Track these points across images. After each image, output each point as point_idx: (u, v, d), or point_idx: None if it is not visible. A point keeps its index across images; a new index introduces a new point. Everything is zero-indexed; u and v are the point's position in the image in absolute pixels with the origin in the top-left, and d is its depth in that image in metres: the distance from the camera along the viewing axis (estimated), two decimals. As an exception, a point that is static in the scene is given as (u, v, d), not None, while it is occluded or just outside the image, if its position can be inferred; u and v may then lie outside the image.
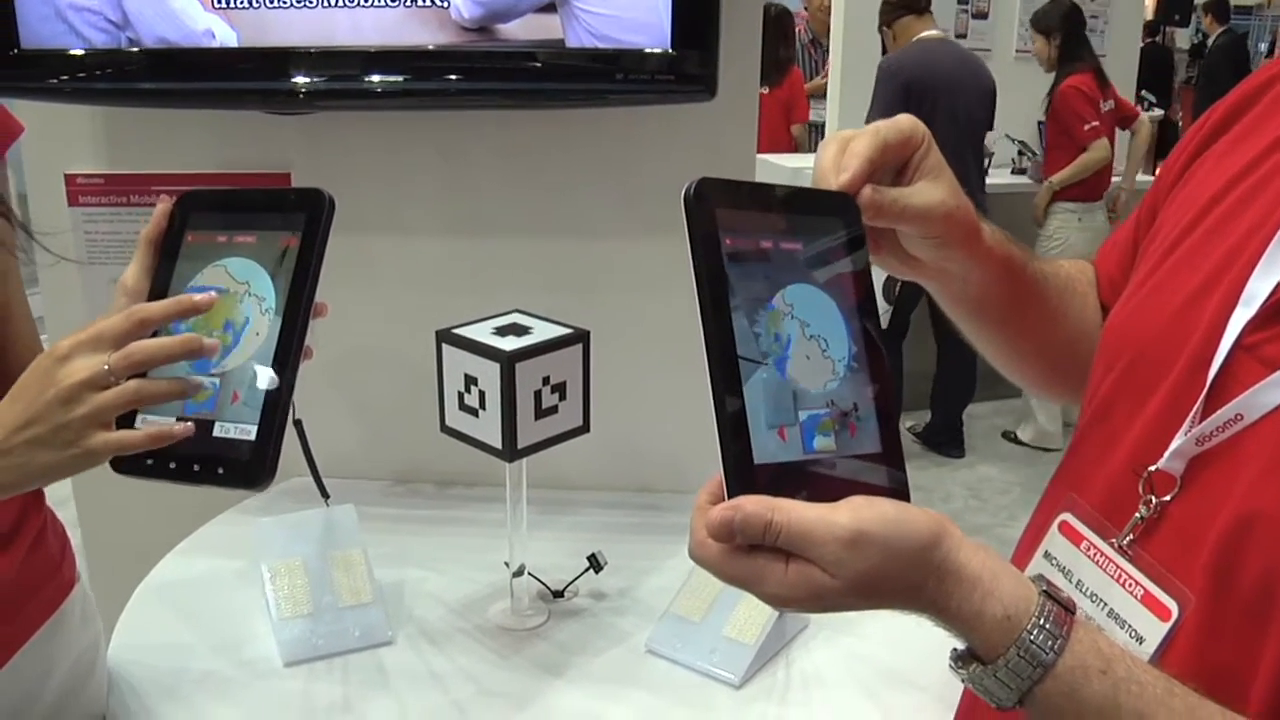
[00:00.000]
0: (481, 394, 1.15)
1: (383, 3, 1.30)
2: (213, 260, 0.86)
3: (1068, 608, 0.60)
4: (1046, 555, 0.75)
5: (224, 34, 1.32)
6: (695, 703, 1.15)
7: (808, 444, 0.65)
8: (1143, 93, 6.17)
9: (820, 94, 5.64)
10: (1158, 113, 6.66)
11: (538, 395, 1.16)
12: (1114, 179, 4.46)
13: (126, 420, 0.82)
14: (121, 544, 1.46)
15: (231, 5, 1.31)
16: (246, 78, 1.36)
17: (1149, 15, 8.06)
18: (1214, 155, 0.77)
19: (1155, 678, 0.59)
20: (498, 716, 1.12)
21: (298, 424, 1.18)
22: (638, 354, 1.55)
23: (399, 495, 1.66)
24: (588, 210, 1.55)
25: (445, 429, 1.22)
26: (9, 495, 0.81)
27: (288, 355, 0.81)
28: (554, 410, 1.18)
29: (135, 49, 1.34)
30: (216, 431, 0.81)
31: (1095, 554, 0.71)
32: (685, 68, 1.31)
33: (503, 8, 1.30)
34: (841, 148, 0.73)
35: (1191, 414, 0.66)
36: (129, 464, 0.82)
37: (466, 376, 1.16)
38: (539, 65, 1.34)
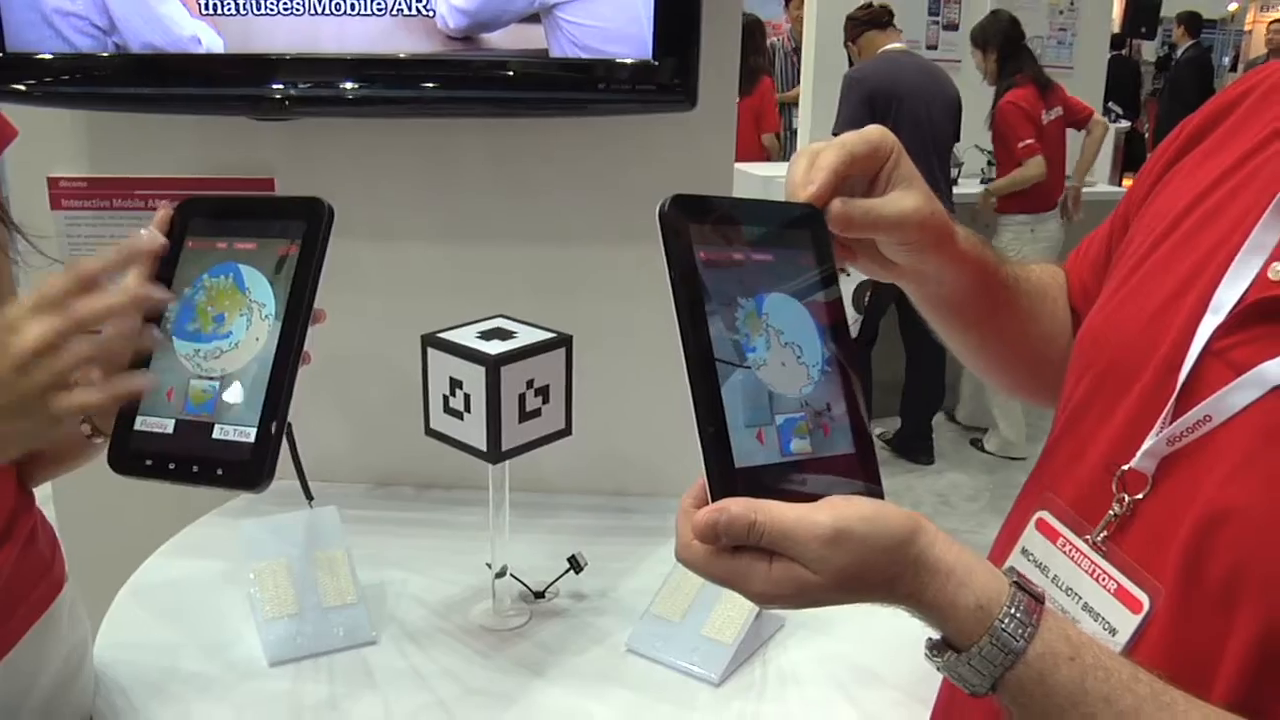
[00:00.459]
0: (467, 397, 1.17)
1: (369, 11, 1.32)
2: (213, 265, 0.87)
3: (1038, 598, 0.63)
4: (1024, 552, 0.78)
5: (210, 40, 1.34)
6: (676, 700, 1.17)
7: (785, 447, 0.68)
8: (1110, 104, 6.26)
9: (794, 103, 5.71)
10: (1125, 124, 6.76)
11: (522, 398, 1.18)
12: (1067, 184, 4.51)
13: (127, 422, 0.84)
14: (101, 546, 1.46)
15: (218, 11, 1.33)
16: (232, 84, 1.38)
17: (1116, 28, 8.17)
18: (1185, 169, 0.80)
19: (1121, 664, 0.62)
20: (483, 715, 1.14)
21: (288, 427, 1.19)
22: (616, 359, 1.57)
23: (379, 498, 1.67)
24: (569, 217, 1.58)
25: (430, 432, 1.24)
26: None
27: (287, 359, 0.82)
28: (537, 413, 1.20)
29: (121, 54, 1.35)
30: (216, 434, 0.82)
31: (1070, 550, 0.74)
32: (666, 78, 1.34)
33: (488, 17, 1.32)
34: (810, 161, 0.76)
35: (1163, 416, 0.69)
36: (127, 464, 0.84)
37: (452, 380, 1.18)
38: (523, 75, 1.36)
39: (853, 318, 3.97)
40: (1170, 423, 0.68)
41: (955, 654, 0.63)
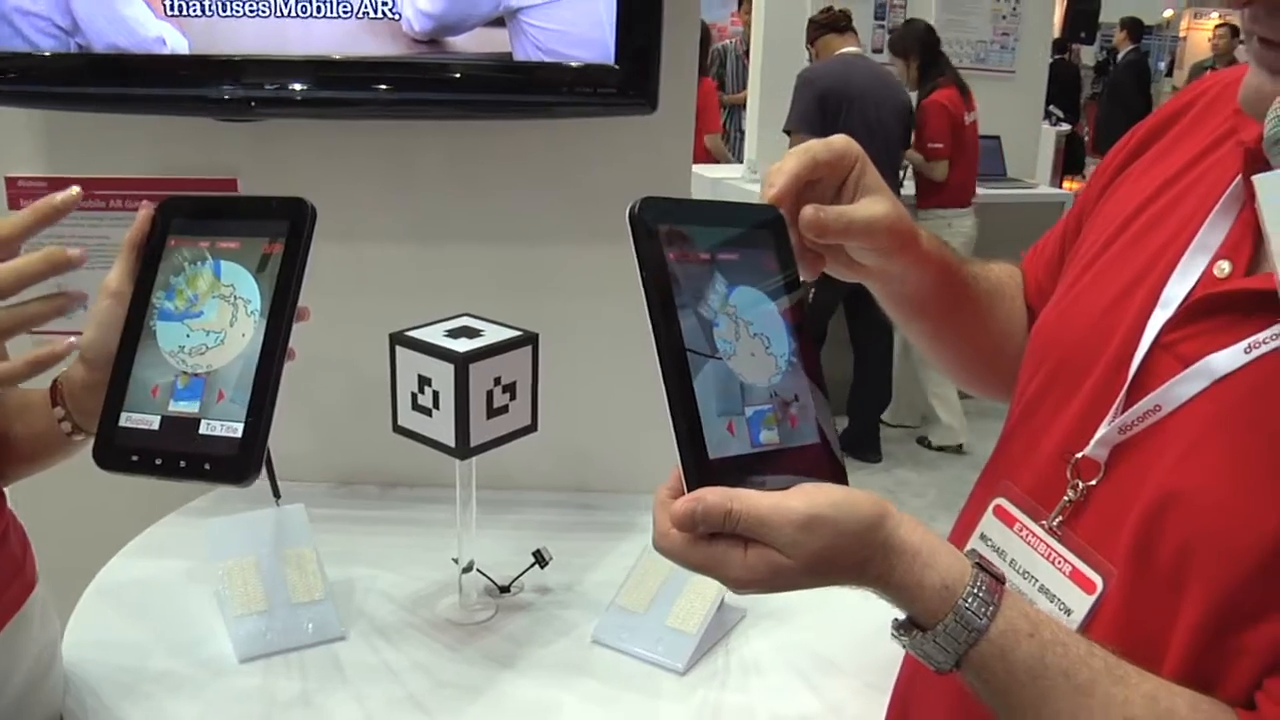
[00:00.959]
0: (435, 394, 1.19)
1: (335, 14, 1.33)
2: (196, 263, 0.89)
3: (998, 578, 0.67)
4: (982, 537, 0.82)
5: (175, 41, 1.34)
6: (642, 689, 1.20)
7: (755, 438, 0.71)
8: (1050, 107, 6.39)
9: (742, 105, 5.78)
10: (1065, 127, 6.90)
11: (489, 395, 1.20)
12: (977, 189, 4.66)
13: (111, 418, 0.85)
14: (63, 545, 1.46)
15: (183, 13, 1.33)
16: (197, 85, 1.38)
17: (1056, 33, 8.34)
18: (1134, 174, 0.85)
19: (1077, 641, 0.66)
20: (454, 706, 1.16)
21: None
22: (577, 358, 1.59)
23: (342, 497, 1.68)
24: (531, 217, 1.60)
25: (398, 429, 1.25)
26: None
27: (274, 355, 0.84)
28: (504, 410, 1.23)
29: (85, 54, 1.35)
30: (202, 429, 0.84)
31: (1027, 534, 0.78)
32: (628, 81, 1.37)
33: (453, 21, 1.34)
34: (778, 167, 0.79)
35: (1115, 406, 0.73)
36: (113, 460, 0.85)
37: (420, 377, 1.20)
38: (487, 78, 1.38)
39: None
40: (1121, 412, 0.72)
41: (921, 633, 0.67)
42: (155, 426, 0.85)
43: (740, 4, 6.22)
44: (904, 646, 0.69)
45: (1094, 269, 0.82)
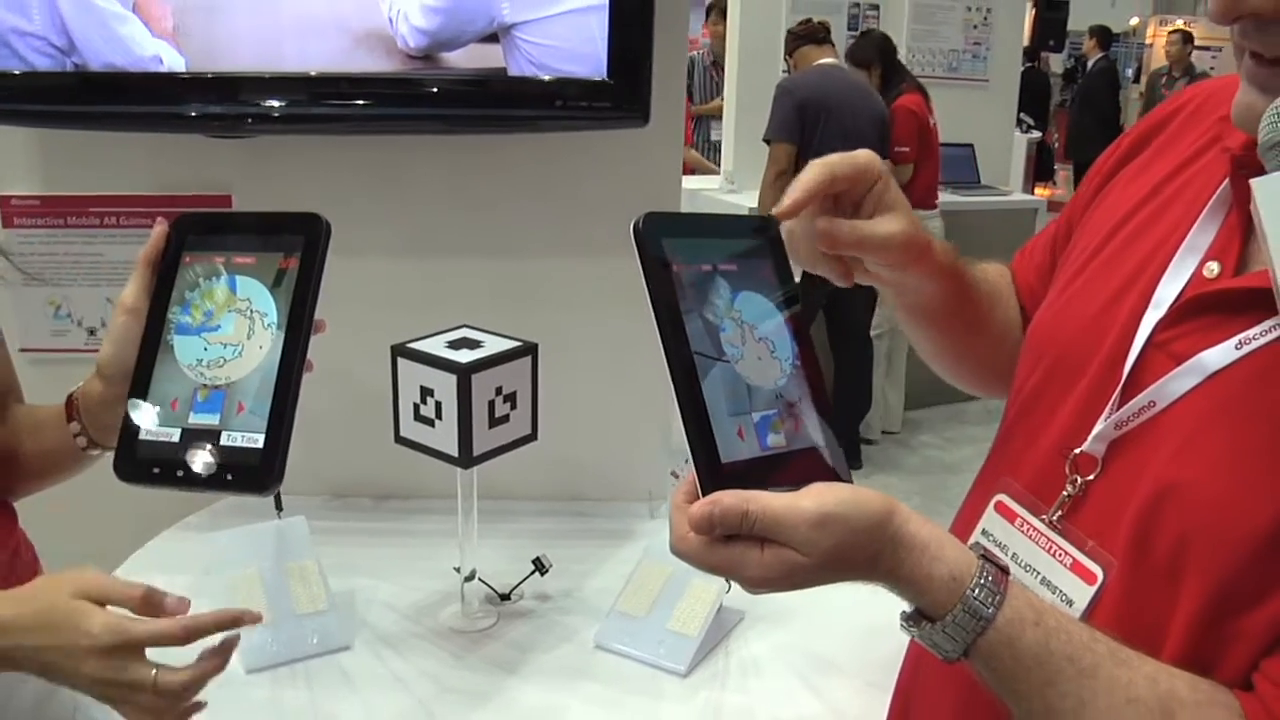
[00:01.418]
0: (438, 405, 1.20)
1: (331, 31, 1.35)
2: (211, 278, 0.90)
3: (1003, 569, 0.69)
4: (984, 533, 0.84)
5: (172, 59, 1.36)
6: (645, 691, 1.22)
7: (763, 441, 0.73)
8: (1021, 115, 6.47)
9: (719, 114, 5.82)
10: (1035, 135, 6.99)
11: (491, 405, 1.22)
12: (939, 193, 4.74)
13: (131, 432, 0.86)
14: (59, 561, 1.46)
15: (180, 31, 1.34)
16: (193, 102, 1.39)
17: (1026, 41, 8.44)
18: (1122, 181, 0.88)
19: (1080, 628, 0.68)
20: (462, 712, 1.17)
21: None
22: (571, 368, 1.61)
23: (336, 510, 1.69)
24: (524, 229, 1.62)
25: (400, 440, 1.27)
26: None
27: (293, 366, 0.86)
28: (506, 419, 1.24)
29: (82, 72, 1.36)
30: (223, 440, 0.85)
31: (1028, 529, 0.80)
32: (620, 96, 1.39)
33: (447, 37, 1.36)
34: (799, 180, 0.81)
35: (1110, 402, 0.76)
36: (134, 473, 0.86)
37: (422, 389, 1.22)
38: (481, 93, 1.40)
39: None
40: (1117, 409, 0.75)
41: (930, 623, 0.69)
42: (176, 439, 0.86)
43: (708, 15, 6.26)
44: (913, 637, 0.71)
45: (1086, 273, 0.85)
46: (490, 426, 1.22)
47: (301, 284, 0.88)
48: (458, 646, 1.29)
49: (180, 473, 0.85)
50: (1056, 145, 10.02)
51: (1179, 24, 10.07)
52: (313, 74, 1.38)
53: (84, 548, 1.45)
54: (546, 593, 1.42)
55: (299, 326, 0.87)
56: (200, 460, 0.85)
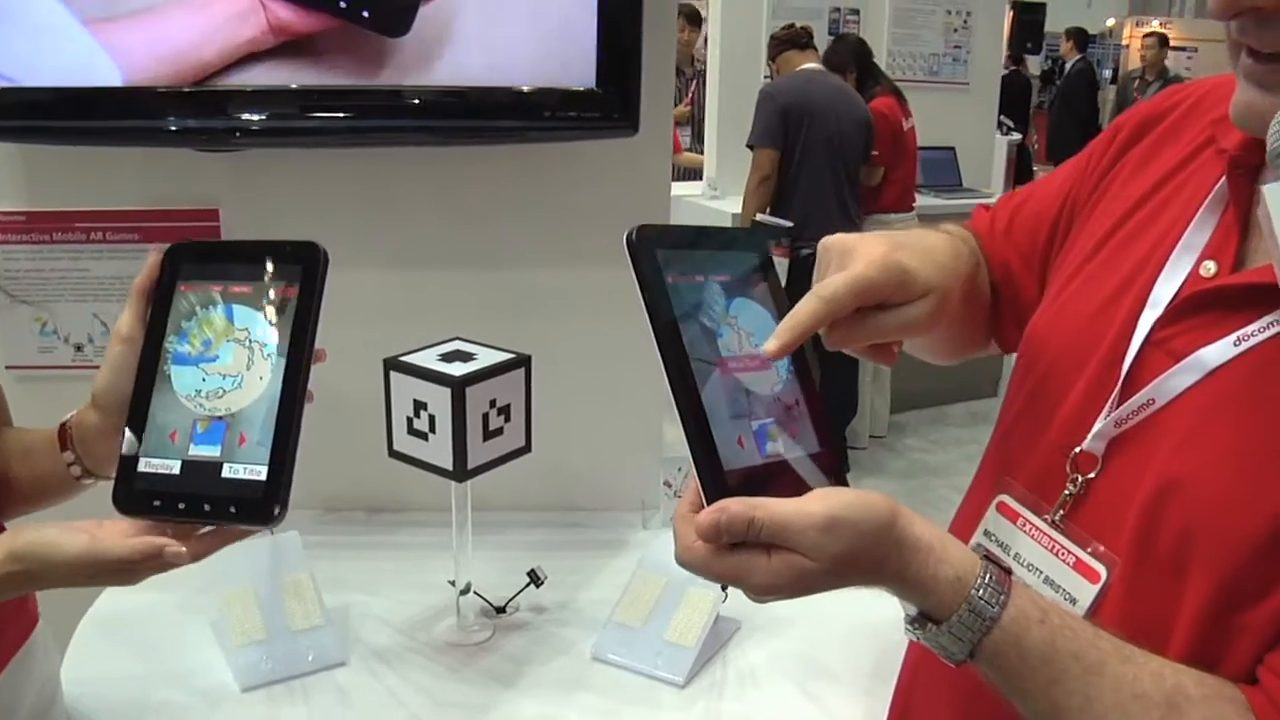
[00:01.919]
0: (431, 418, 1.20)
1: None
2: (207, 307, 0.89)
3: (1006, 569, 0.70)
4: (986, 534, 0.84)
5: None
6: (643, 702, 1.22)
7: (762, 450, 0.73)
8: (1002, 118, 6.50)
9: (682, 120, 5.88)
10: (1016, 137, 7.02)
11: (485, 418, 1.22)
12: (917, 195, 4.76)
13: (130, 464, 0.85)
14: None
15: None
16: (181, 116, 1.39)
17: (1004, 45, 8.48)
18: (1117, 182, 0.88)
19: (1084, 625, 0.69)
20: (460, 726, 1.17)
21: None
22: (562, 379, 1.60)
23: (329, 524, 1.68)
24: (514, 240, 1.61)
25: (393, 453, 1.26)
26: None
27: (294, 396, 0.85)
28: (500, 432, 1.24)
29: (65, 87, 1.35)
30: (225, 473, 0.84)
31: (1030, 529, 0.81)
32: (610, 105, 1.39)
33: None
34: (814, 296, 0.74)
35: (1110, 401, 0.76)
36: (134, 505, 0.85)
37: (416, 402, 1.21)
38: (470, 104, 1.40)
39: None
40: (1117, 407, 0.75)
41: (935, 625, 0.69)
42: (176, 471, 0.85)
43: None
44: (918, 640, 0.71)
45: (1082, 275, 0.85)
46: (484, 439, 1.22)
47: (301, 313, 0.87)
48: (454, 660, 1.29)
49: (182, 505, 0.84)
50: (1036, 147, 10.08)
51: (1155, 25, 10.15)
52: (300, 87, 1.37)
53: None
54: (542, 605, 1.42)
55: (300, 356, 0.86)
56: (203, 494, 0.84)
